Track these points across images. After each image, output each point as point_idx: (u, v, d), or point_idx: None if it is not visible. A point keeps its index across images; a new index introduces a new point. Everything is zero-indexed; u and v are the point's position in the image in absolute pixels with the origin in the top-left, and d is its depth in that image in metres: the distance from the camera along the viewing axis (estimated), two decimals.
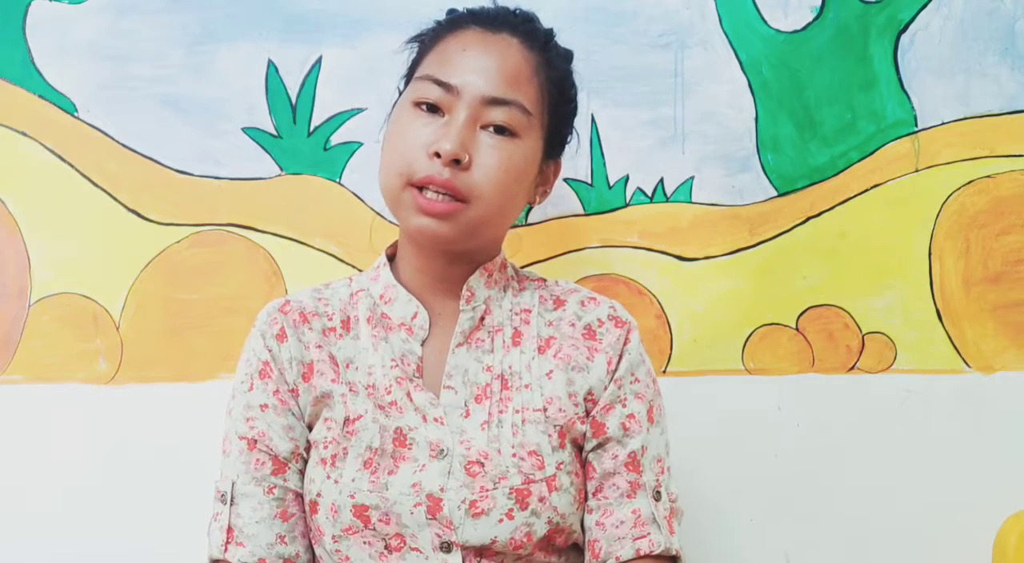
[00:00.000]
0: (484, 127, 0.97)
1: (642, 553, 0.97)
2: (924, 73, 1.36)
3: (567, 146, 1.09)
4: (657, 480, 1.00)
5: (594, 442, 1.00)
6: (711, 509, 1.31)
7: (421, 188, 0.95)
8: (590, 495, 1.00)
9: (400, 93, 1.05)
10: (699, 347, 1.34)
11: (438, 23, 1.05)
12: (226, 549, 0.97)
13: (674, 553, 0.99)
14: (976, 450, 1.35)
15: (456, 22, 1.02)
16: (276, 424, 0.99)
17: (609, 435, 1.00)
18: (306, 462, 1.00)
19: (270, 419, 0.99)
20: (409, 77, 1.04)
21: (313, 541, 1.00)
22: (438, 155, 0.94)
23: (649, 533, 0.98)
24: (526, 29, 1.02)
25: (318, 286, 1.09)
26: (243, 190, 1.32)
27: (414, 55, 1.05)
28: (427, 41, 1.04)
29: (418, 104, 0.98)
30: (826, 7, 1.35)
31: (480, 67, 0.97)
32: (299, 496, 1.00)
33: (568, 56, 1.06)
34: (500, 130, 0.97)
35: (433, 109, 0.97)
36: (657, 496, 0.99)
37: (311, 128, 1.32)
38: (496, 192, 0.96)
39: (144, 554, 1.29)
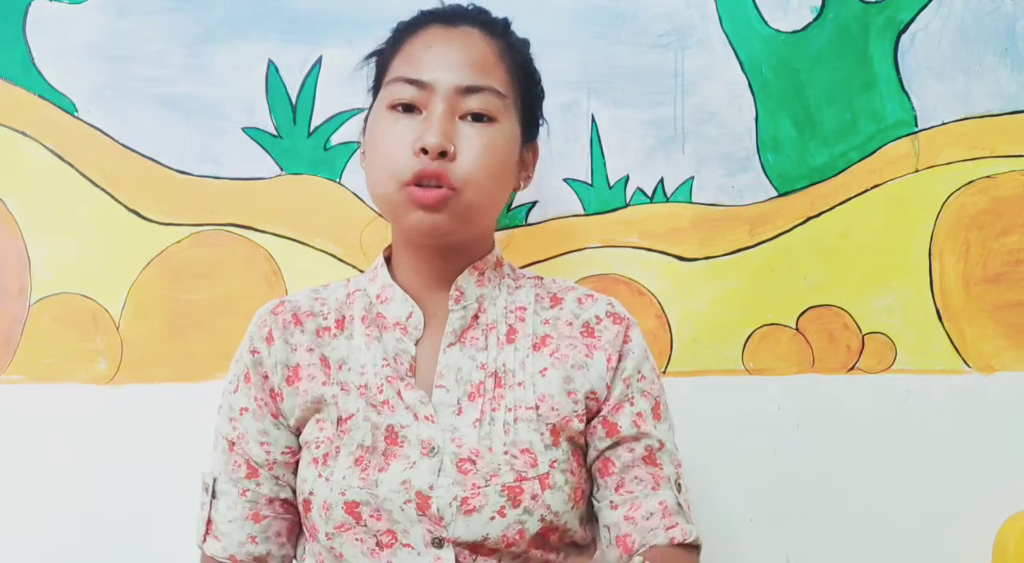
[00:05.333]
0: (462, 117, 0.98)
1: (676, 542, 0.99)
2: (924, 73, 1.36)
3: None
4: (676, 472, 1.03)
5: (609, 441, 1.01)
6: (711, 509, 1.31)
7: (415, 186, 0.96)
8: (612, 491, 1.01)
9: (369, 108, 1.06)
10: (699, 347, 1.34)
11: (396, 29, 1.06)
12: (204, 540, 1.02)
13: (699, 543, 1.01)
14: (976, 450, 1.35)
15: (415, 24, 1.03)
16: (252, 429, 1.01)
17: (623, 434, 1.01)
18: (283, 466, 1.02)
19: (247, 424, 1.01)
20: (376, 87, 1.05)
21: (309, 539, 1.01)
22: (424, 151, 0.95)
23: (678, 523, 1.00)
24: (483, 19, 1.04)
25: (317, 287, 1.10)
26: (243, 190, 1.32)
27: (377, 65, 1.06)
28: (388, 48, 1.05)
29: (393, 107, 0.98)
30: (826, 7, 1.35)
31: (448, 60, 0.98)
32: (272, 500, 1.02)
33: (526, 43, 1.07)
34: (478, 117, 0.98)
35: (409, 109, 0.98)
36: (678, 488, 1.02)
37: (311, 128, 1.32)
38: (484, 176, 0.97)
39: (144, 553, 1.29)
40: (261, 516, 1.01)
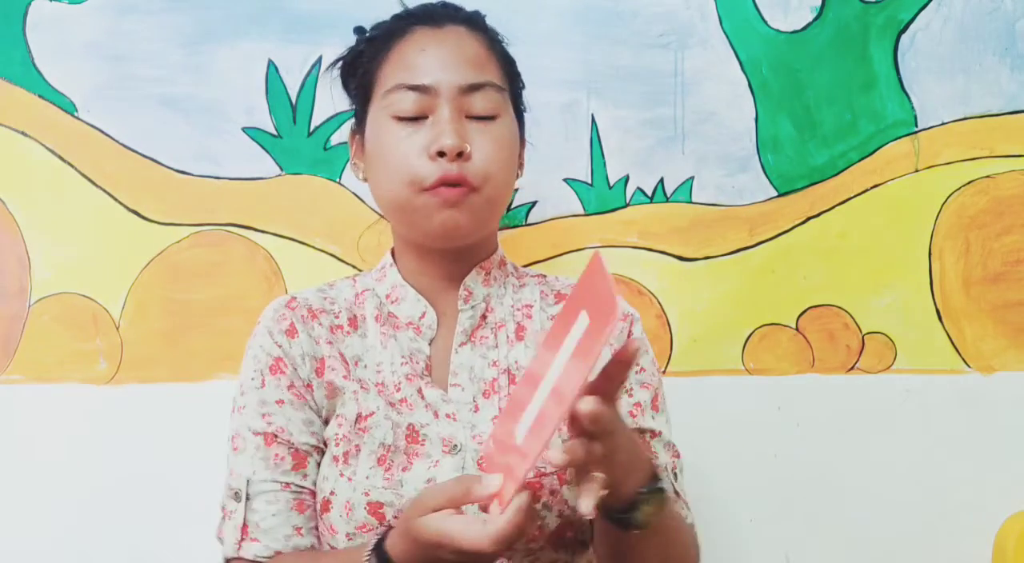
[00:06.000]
0: (468, 117, 0.98)
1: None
2: (924, 73, 1.36)
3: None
4: (673, 461, 1.02)
5: None
6: (711, 509, 1.31)
7: (435, 189, 0.96)
8: None
9: (355, 113, 1.05)
10: (699, 347, 1.34)
11: (374, 36, 1.04)
12: (240, 547, 0.96)
13: (691, 522, 1.01)
14: (976, 450, 1.35)
15: (398, 28, 1.02)
16: (296, 418, 0.98)
17: None
18: (324, 456, 1.00)
19: (288, 414, 0.98)
20: (365, 95, 1.03)
21: (324, 540, 0.98)
22: (441, 154, 0.95)
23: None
24: (464, 15, 1.04)
25: (321, 285, 1.08)
26: (243, 190, 1.32)
27: (361, 73, 1.04)
28: (372, 56, 1.03)
29: (397, 115, 0.98)
30: (826, 7, 1.35)
31: (445, 61, 0.98)
32: (313, 491, 0.99)
33: (497, 32, 1.07)
34: (482, 117, 0.98)
35: (415, 115, 0.98)
36: (675, 476, 1.02)
37: (311, 128, 1.32)
38: (500, 172, 0.98)
39: (143, 553, 1.29)
40: (305, 505, 0.97)
